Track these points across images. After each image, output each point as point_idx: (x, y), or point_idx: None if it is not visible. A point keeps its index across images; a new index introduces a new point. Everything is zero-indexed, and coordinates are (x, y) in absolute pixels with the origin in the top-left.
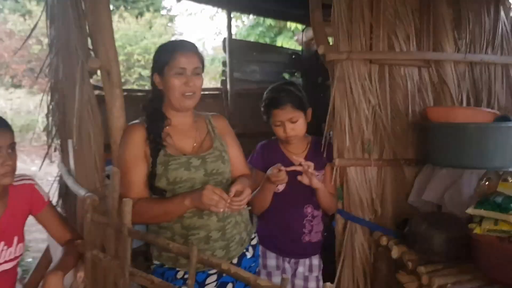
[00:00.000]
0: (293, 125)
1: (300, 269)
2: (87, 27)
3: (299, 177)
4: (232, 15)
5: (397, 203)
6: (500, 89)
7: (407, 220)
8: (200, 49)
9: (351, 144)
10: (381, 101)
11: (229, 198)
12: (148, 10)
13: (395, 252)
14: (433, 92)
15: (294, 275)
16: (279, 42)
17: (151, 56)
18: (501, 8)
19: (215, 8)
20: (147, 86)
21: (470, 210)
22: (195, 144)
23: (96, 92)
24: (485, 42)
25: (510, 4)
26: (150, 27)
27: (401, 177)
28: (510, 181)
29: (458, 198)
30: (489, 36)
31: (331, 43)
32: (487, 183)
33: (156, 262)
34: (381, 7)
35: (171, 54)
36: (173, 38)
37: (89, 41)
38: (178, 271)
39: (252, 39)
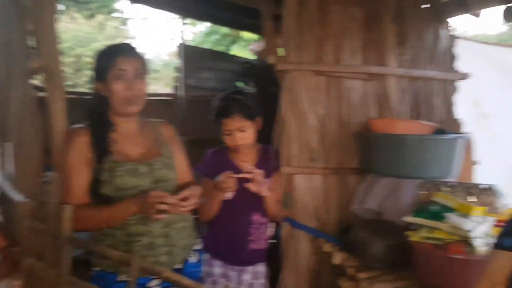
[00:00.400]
0: (242, 134)
1: (246, 276)
2: (29, 25)
3: (247, 185)
4: (187, 22)
5: (341, 211)
6: (439, 103)
7: (350, 227)
8: (154, 54)
9: (298, 153)
10: (328, 112)
11: (175, 199)
12: (100, 11)
13: (336, 258)
14: (377, 104)
15: (239, 283)
16: (234, 50)
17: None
18: (441, 27)
19: (170, 14)
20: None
21: (408, 219)
22: (141, 151)
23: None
24: (425, 58)
25: (449, 23)
26: (102, 29)
27: (345, 185)
28: (445, 191)
29: (397, 206)
30: (430, 53)
31: (282, 54)
32: (424, 192)
33: (96, 268)
34: (329, 21)
35: (111, 59)
36: (126, 41)
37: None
38: (119, 275)
39: (207, 46)
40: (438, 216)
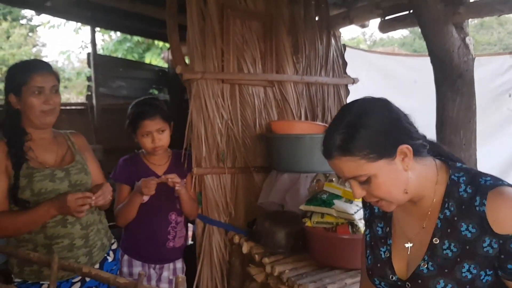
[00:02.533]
0: (160, 135)
1: (165, 273)
2: None
3: (177, 189)
4: (97, 29)
5: (248, 205)
6: (332, 105)
7: (256, 220)
8: (65, 62)
9: (207, 155)
10: (233, 116)
11: (92, 195)
12: (5, 19)
13: (245, 248)
14: (277, 108)
15: (159, 280)
16: (148, 58)
17: (4, 77)
18: (332, 36)
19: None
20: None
21: (302, 207)
22: (57, 158)
23: None
24: (319, 65)
25: (340, 33)
26: (8, 37)
27: (252, 182)
28: (334, 181)
29: (296, 198)
30: (322, 60)
31: (188, 62)
32: (316, 183)
33: (17, 280)
34: (230, 33)
35: (27, 75)
36: (34, 50)
37: None
38: (42, 284)
39: (120, 54)
40: (327, 203)
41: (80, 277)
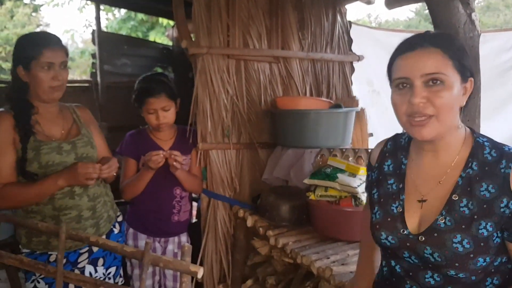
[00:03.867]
0: (165, 113)
1: (170, 247)
2: None
3: (171, 162)
4: (102, 8)
5: (253, 181)
6: (337, 82)
7: (261, 194)
8: (69, 41)
9: (213, 130)
10: (238, 92)
11: (101, 166)
12: None
13: (249, 221)
14: (282, 84)
15: (164, 253)
16: (152, 37)
17: (13, 48)
18: (338, 13)
19: (84, 0)
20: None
21: (306, 180)
22: (63, 131)
23: None
24: (324, 42)
25: (346, 10)
26: (12, 17)
27: (256, 158)
28: (338, 156)
29: (300, 173)
30: (328, 37)
31: (193, 39)
32: (321, 158)
33: (25, 250)
34: (236, 8)
35: (38, 49)
36: (38, 29)
37: None
38: (50, 254)
39: (124, 32)
40: (331, 176)
41: (87, 248)
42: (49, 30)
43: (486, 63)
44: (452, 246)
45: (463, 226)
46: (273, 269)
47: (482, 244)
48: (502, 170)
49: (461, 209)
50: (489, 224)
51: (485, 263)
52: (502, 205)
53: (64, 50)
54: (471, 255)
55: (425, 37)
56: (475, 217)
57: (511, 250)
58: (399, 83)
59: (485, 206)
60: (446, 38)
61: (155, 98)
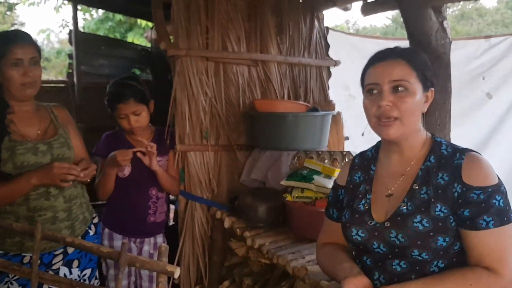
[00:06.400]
0: (137, 117)
1: (146, 247)
2: None
3: (139, 155)
4: (79, 8)
5: (231, 182)
6: (315, 86)
7: (238, 196)
8: (45, 41)
9: (191, 132)
10: (217, 94)
11: (77, 167)
12: None
13: (227, 223)
14: (260, 87)
15: (140, 253)
16: (130, 38)
17: None
18: (316, 19)
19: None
20: None
21: (283, 182)
22: (39, 131)
23: None
24: (302, 47)
25: (323, 15)
26: None
27: (234, 160)
28: (314, 158)
29: (278, 175)
30: (306, 42)
31: (172, 41)
32: (297, 160)
33: None
34: (215, 11)
35: (6, 46)
36: (12, 28)
37: None
38: (24, 256)
39: (101, 33)
40: (307, 178)
41: (62, 249)
42: (24, 29)
43: (457, 69)
44: (413, 226)
45: (422, 209)
46: (250, 270)
47: (440, 224)
48: (456, 161)
49: (421, 196)
50: (443, 207)
51: (445, 243)
52: (453, 190)
53: (34, 46)
54: (431, 233)
55: (394, 50)
56: (432, 200)
57: (462, 235)
58: (370, 88)
59: (440, 191)
60: (412, 52)
61: (123, 104)
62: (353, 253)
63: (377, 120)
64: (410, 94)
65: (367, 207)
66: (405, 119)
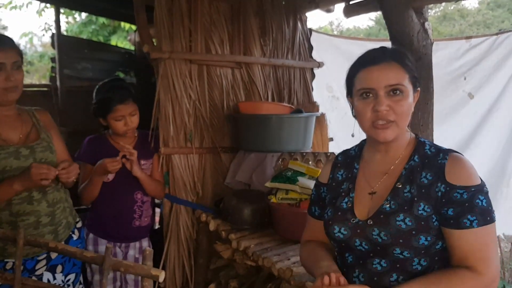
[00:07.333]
0: (133, 118)
1: (131, 252)
2: None
3: (124, 160)
4: (62, 11)
5: (216, 185)
6: (298, 88)
7: (223, 199)
8: (28, 45)
9: (175, 134)
10: (201, 97)
11: (57, 170)
12: None
13: (212, 225)
14: (244, 89)
15: (125, 258)
16: (114, 41)
17: None
18: (299, 21)
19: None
20: None
21: (268, 184)
22: (21, 136)
23: None
24: (286, 48)
25: (306, 17)
26: None
27: (219, 162)
28: (299, 159)
29: (262, 177)
30: (289, 44)
31: (155, 44)
32: (282, 162)
33: None
34: (198, 14)
35: None
36: None
37: None
38: (7, 262)
39: (85, 36)
40: (292, 179)
41: (45, 255)
42: (7, 33)
43: (438, 70)
44: (396, 224)
45: (406, 207)
46: (235, 272)
47: (422, 223)
48: (439, 161)
49: (405, 194)
50: (426, 206)
51: (427, 242)
52: (437, 189)
53: (16, 50)
54: (413, 232)
55: (385, 52)
56: (415, 199)
57: (446, 234)
58: (363, 93)
59: (423, 190)
60: (403, 54)
61: (124, 104)
62: (336, 250)
63: (373, 123)
64: (405, 97)
65: (350, 205)
66: (401, 122)
